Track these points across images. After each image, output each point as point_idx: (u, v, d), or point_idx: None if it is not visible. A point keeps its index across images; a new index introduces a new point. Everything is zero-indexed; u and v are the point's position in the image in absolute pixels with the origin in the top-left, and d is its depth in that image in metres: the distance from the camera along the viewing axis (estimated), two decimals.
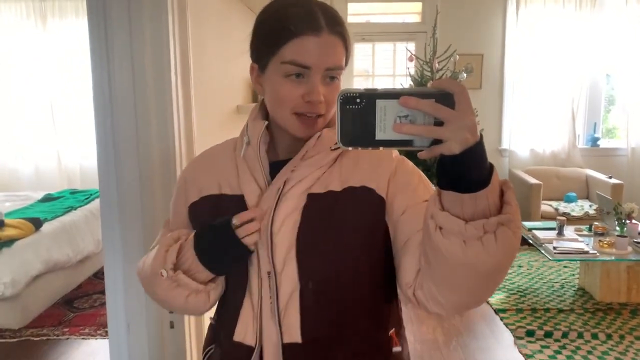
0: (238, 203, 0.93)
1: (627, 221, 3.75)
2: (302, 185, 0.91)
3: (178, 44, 1.55)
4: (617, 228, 3.78)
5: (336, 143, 0.69)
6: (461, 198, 0.67)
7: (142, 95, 1.52)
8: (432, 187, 0.84)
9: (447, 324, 3.37)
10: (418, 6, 5.66)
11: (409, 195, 0.90)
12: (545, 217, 4.78)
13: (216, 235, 0.89)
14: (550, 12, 5.40)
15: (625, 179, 5.16)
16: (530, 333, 3.22)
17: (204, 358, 1.07)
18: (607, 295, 3.67)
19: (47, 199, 4.40)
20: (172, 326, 1.57)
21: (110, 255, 1.61)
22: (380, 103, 0.65)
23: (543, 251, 3.64)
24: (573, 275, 4.16)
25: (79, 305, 3.62)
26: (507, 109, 5.70)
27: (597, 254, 3.49)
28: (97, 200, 4.30)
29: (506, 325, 3.34)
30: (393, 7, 5.94)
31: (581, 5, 5.37)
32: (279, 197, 0.91)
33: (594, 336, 3.17)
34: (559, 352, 3.01)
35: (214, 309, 1.04)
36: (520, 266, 4.41)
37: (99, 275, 4.10)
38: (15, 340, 3.13)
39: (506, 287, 3.95)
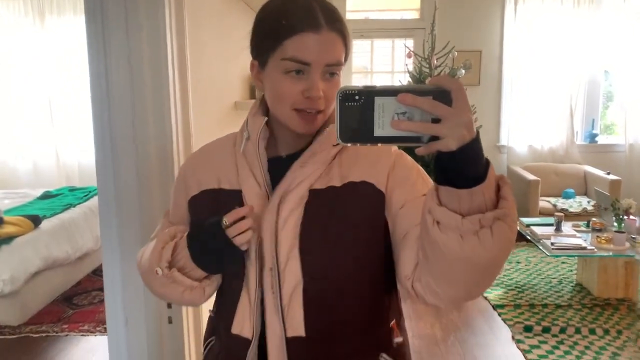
0: (236, 198, 0.94)
1: (625, 217, 3.76)
2: (307, 181, 0.92)
3: (175, 41, 1.55)
4: (615, 224, 3.79)
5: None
6: (458, 193, 0.68)
7: (140, 92, 1.52)
8: (431, 182, 0.85)
9: (445, 319, 3.38)
10: (416, 3, 5.66)
11: (408, 189, 0.91)
12: (544, 213, 4.79)
13: (207, 236, 0.90)
14: (549, 9, 5.40)
15: (623, 175, 5.17)
16: (528, 328, 3.23)
17: (204, 350, 1.08)
18: (605, 290, 3.68)
19: (46, 196, 4.40)
20: (170, 321, 1.58)
21: (108, 253, 1.62)
22: (378, 100, 0.66)
23: (541, 247, 3.65)
24: (571, 271, 4.17)
25: (78, 302, 3.62)
26: (505, 106, 5.70)
27: (595, 250, 3.51)
28: (96, 198, 4.29)
29: (504, 320, 3.35)
30: (391, 3, 5.95)
31: (579, 2, 5.37)
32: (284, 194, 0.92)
33: (592, 331, 3.18)
34: (556, 348, 3.02)
35: (213, 300, 1.05)
36: (518, 262, 4.42)
37: (98, 272, 4.11)
38: (14, 336, 3.13)
39: (504, 282, 3.97)
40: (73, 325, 3.27)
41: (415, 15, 5.73)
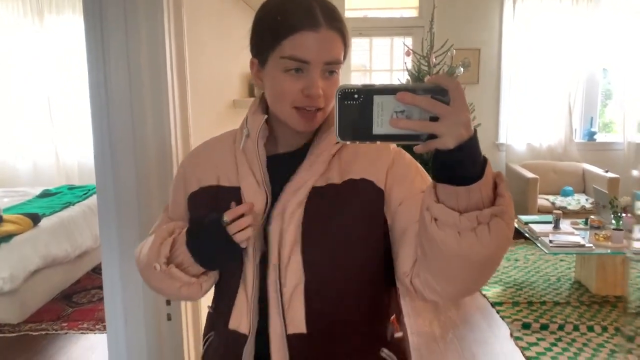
0: (235, 195, 0.94)
1: (623, 214, 3.78)
2: (311, 180, 0.92)
3: (174, 40, 1.56)
4: (613, 221, 3.80)
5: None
6: (456, 191, 0.69)
7: (138, 91, 1.53)
8: (429, 179, 0.86)
9: (444, 316, 3.39)
10: (415, 1, 5.66)
11: (407, 187, 0.92)
12: (542, 211, 4.80)
13: (207, 233, 0.91)
14: (547, 7, 5.41)
15: (622, 173, 5.18)
16: (526, 325, 3.24)
17: (204, 345, 1.09)
18: (603, 288, 3.69)
19: (45, 194, 4.41)
20: (169, 318, 1.58)
21: (107, 251, 1.62)
22: (377, 99, 0.66)
23: (539, 245, 3.66)
24: (569, 268, 4.18)
25: (78, 300, 3.63)
26: (504, 104, 5.71)
27: (593, 247, 3.52)
28: (95, 196, 4.30)
29: (503, 318, 3.36)
30: (390, 1, 5.95)
31: (578, 0, 5.38)
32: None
33: (590, 328, 3.19)
34: (554, 345, 3.03)
35: (212, 295, 1.06)
36: (516, 260, 4.43)
37: (97, 270, 4.11)
38: (14, 335, 3.14)
39: (503, 280, 3.98)
40: (72, 323, 3.27)
41: (414, 13, 5.74)
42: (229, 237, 0.87)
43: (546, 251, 3.56)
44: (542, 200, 4.99)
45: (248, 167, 0.95)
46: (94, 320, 3.31)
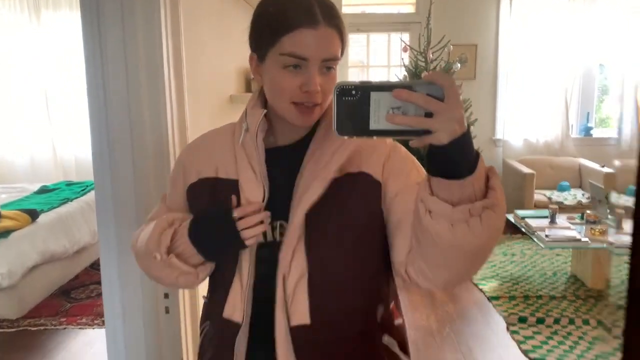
0: (233, 188, 0.96)
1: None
2: (313, 175, 0.95)
3: (170, 36, 1.56)
4: (609, 216, 3.82)
5: None
6: (449, 184, 0.72)
7: (135, 87, 1.53)
8: (424, 172, 0.88)
9: (441, 310, 3.42)
10: None
11: (402, 179, 0.94)
12: (539, 206, 4.82)
13: (213, 227, 0.93)
14: (544, 2, 5.42)
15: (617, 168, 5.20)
16: (522, 319, 3.27)
17: (200, 334, 1.11)
18: (599, 282, 3.72)
19: (43, 190, 4.41)
20: (167, 311, 1.60)
21: (105, 246, 1.63)
22: (374, 95, 0.69)
23: (536, 239, 3.68)
24: (565, 263, 4.21)
25: (76, 295, 3.64)
26: (501, 99, 5.72)
27: (589, 242, 3.54)
28: (93, 192, 4.31)
29: (499, 312, 3.39)
30: None
31: None
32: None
33: (585, 322, 3.22)
34: (550, 338, 3.05)
35: (206, 284, 1.08)
36: (513, 254, 4.46)
37: (95, 266, 4.12)
38: (13, 330, 3.15)
39: (499, 275, 4.00)
40: (71, 318, 3.28)
41: (411, 9, 5.74)
42: (237, 233, 0.90)
43: (542, 246, 3.58)
44: (539, 196, 5.01)
45: (247, 161, 0.97)
46: (93, 315, 3.32)
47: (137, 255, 1.04)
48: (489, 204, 0.73)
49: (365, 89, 0.69)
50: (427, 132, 0.68)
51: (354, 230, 0.94)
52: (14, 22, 5.30)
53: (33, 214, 3.55)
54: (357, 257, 0.95)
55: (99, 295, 3.59)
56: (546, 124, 5.67)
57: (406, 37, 5.59)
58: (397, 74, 5.39)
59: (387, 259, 0.97)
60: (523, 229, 3.98)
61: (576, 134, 5.78)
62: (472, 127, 4.65)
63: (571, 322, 3.22)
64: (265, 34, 0.90)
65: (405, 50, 4.98)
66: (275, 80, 0.90)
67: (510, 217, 4.29)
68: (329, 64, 0.89)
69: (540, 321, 3.24)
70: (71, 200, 4.10)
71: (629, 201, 4.74)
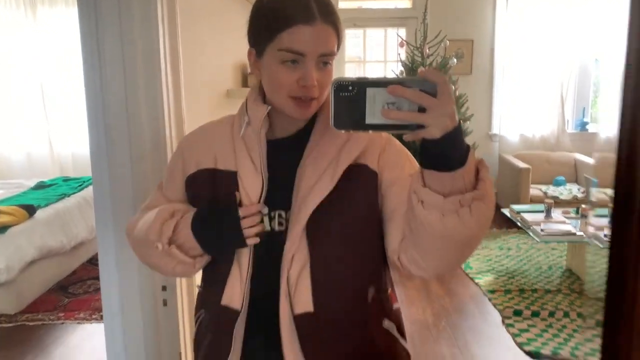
0: (232, 180, 0.99)
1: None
2: (313, 167, 0.98)
3: (167, 30, 1.57)
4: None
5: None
6: (441, 176, 0.76)
7: (133, 82, 1.54)
8: (417, 164, 0.91)
9: (437, 304, 3.44)
10: None
11: (397, 171, 0.98)
12: (535, 200, 4.85)
13: (218, 224, 0.96)
14: None
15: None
16: (517, 313, 3.29)
17: (195, 323, 1.13)
18: None
19: (40, 186, 4.41)
20: (165, 304, 1.61)
21: (103, 240, 1.64)
22: (370, 91, 0.72)
23: (531, 233, 3.71)
24: (561, 257, 4.23)
25: (74, 290, 3.65)
26: (497, 94, 5.75)
27: (584, 236, 3.56)
28: (90, 188, 4.32)
29: (495, 305, 3.41)
30: None
31: None
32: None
33: (580, 315, 3.24)
34: (545, 331, 3.08)
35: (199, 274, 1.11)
36: (509, 249, 4.48)
37: (93, 261, 4.13)
38: (10, 325, 3.16)
39: (495, 269, 4.03)
40: (69, 313, 3.29)
41: (407, 4, 5.75)
42: (240, 232, 0.93)
43: (538, 240, 3.61)
44: (535, 190, 5.04)
45: (247, 153, 0.99)
46: (90, 310, 3.33)
47: (134, 242, 1.07)
48: (478, 195, 0.77)
49: (361, 85, 0.72)
50: (420, 126, 0.71)
51: (354, 220, 0.97)
52: (10, 18, 5.28)
53: (30, 210, 3.55)
54: (357, 246, 0.98)
55: (97, 290, 3.61)
56: (542, 119, 5.70)
57: (403, 32, 5.60)
58: (393, 70, 5.39)
59: (384, 247, 1.00)
60: (519, 223, 4.01)
61: (572, 129, 5.81)
62: (468, 122, 4.67)
63: (566, 315, 3.25)
64: (263, 30, 0.92)
65: (401, 45, 4.99)
66: (274, 75, 0.92)
67: (506, 212, 4.32)
68: (325, 59, 0.92)
69: (535, 314, 3.27)
70: (68, 196, 4.11)
71: (555, 191, 4.87)
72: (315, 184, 0.95)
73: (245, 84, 2.65)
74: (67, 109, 5.43)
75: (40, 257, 3.45)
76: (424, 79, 0.71)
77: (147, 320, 1.63)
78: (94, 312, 3.29)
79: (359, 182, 0.97)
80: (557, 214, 3.96)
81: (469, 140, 4.73)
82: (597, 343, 2.93)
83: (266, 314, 0.98)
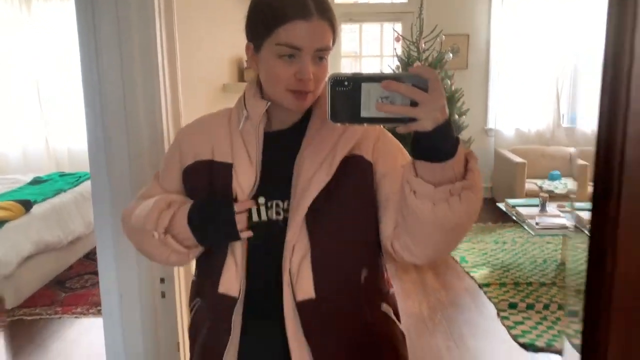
0: (227, 172, 1.01)
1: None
2: (311, 160, 1.01)
3: (164, 25, 1.58)
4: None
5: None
6: (432, 167, 0.80)
7: (130, 77, 1.55)
8: (408, 155, 0.95)
9: (433, 298, 3.46)
10: None
11: (390, 162, 1.02)
12: (530, 195, 4.88)
13: (214, 218, 0.99)
14: None
15: None
16: (512, 305, 3.32)
17: (191, 311, 1.15)
18: None
19: (36, 181, 4.41)
20: (163, 296, 1.63)
21: (101, 233, 1.65)
22: (365, 86, 0.76)
23: (526, 227, 3.74)
24: (556, 250, 4.26)
25: (71, 285, 3.66)
26: (492, 89, 5.76)
27: (570, 229, 3.59)
28: (87, 183, 4.32)
29: (490, 298, 3.44)
30: None
31: None
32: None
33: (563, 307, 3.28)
34: (540, 323, 3.11)
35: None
36: (504, 242, 4.51)
37: (90, 256, 4.14)
38: (8, 319, 3.17)
39: (490, 262, 4.05)
40: (66, 307, 3.31)
41: None
42: (235, 228, 0.97)
43: (532, 233, 3.63)
44: (530, 184, 5.07)
45: (243, 146, 1.02)
46: (88, 304, 3.34)
47: (130, 230, 1.09)
48: (467, 184, 0.81)
49: (356, 80, 0.76)
50: (412, 119, 0.75)
51: (352, 208, 1.00)
52: (4, 13, 5.26)
53: (27, 205, 3.55)
54: (355, 233, 1.01)
55: (94, 285, 3.62)
56: (537, 113, 5.72)
57: (399, 27, 5.61)
58: (389, 64, 5.40)
59: (379, 233, 1.04)
60: (514, 217, 4.03)
61: (567, 124, 5.83)
62: (464, 117, 4.69)
63: (560, 307, 3.28)
64: (261, 25, 0.95)
65: (397, 40, 5.00)
66: (271, 69, 0.95)
67: (502, 206, 4.34)
68: (321, 53, 0.95)
69: (530, 307, 3.30)
70: (65, 191, 4.11)
71: (550, 185, 4.96)
72: (313, 175, 0.97)
73: (241, 78, 2.66)
74: (63, 104, 5.42)
75: (37, 252, 3.46)
76: (417, 74, 0.75)
77: (146, 312, 1.64)
78: (92, 306, 3.31)
79: (356, 173, 1.00)
80: (552, 207, 3.99)
81: (464, 134, 4.75)
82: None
83: (264, 301, 1.01)
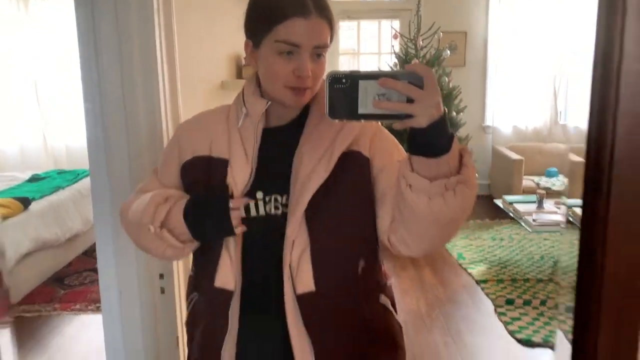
0: (223, 167, 1.03)
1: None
2: (310, 155, 1.03)
3: (163, 23, 1.58)
4: None
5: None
6: (427, 162, 0.82)
7: (129, 74, 1.56)
8: (404, 151, 1.00)
9: (430, 294, 3.48)
10: None
11: (386, 157, 1.04)
12: (527, 191, 4.90)
13: (210, 214, 1.00)
14: None
15: None
16: (510, 302, 3.34)
17: (188, 306, 1.17)
18: None
19: (35, 179, 4.41)
20: (162, 292, 1.64)
21: (101, 230, 1.66)
22: (362, 83, 0.78)
23: (523, 224, 3.75)
24: (552, 247, 4.28)
25: (70, 282, 3.67)
26: (490, 86, 5.77)
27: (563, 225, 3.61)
28: (85, 180, 4.33)
29: (487, 295, 3.46)
30: None
31: None
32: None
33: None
34: (536, 319, 3.13)
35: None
36: (501, 239, 4.53)
37: (88, 253, 4.15)
38: (13, 316, 3.18)
39: (488, 259, 4.07)
40: (65, 304, 3.31)
41: None
42: (230, 224, 0.98)
43: (529, 230, 3.65)
44: (527, 181, 5.09)
45: (240, 142, 1.04)
46: (87, 301, 3.35)
47: (127, 224, 1.11)
48: (462, 179, 0.83)
49: (354, 78, 0.78)
50: (408, 116, 0.77)
51: (350, 203, 1.02)
52: (2, 11, 5.24)
53: (25, 202, 3.55)
54: (354, 227, 1.03)
55: (92, 282, 3.63)
56: (535, 111, 5.74)
57: (397, 24, 5.61)
58: (387, 62, 5.41)
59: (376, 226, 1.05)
60: (511, 214, 4.05)
61: (564, 121, 5.85)
62: (461, 114, 4.70)
63: (557, 305, 3.30)
64: (260, 23, 0.97)
65: (395, 37, 5.00)
66: (270, 66, 0.97)
67: (499, 203, 4.36)
68: (319, 51, 0.97)
69: (527, 303, 3.32)
70: (63, 189, 4.11)
71: (548, 182, 5.00)
72: (312, 171, 0.99)
73: (239, 75, 2.66)
74: (60, 101, 5.41)
75: (35, 249, 3.46)
76: (412, 72, 0.77)
77: (145, 308, 1.65)
78: (90, 303, 3.32)
79: (354, 168, 1.02)
80: (549, 204, 4.00)
81: (462, 132, 4.76)
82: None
83: (263, 295, 1.03)
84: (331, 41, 1.00)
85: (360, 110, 0.79)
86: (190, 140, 1.09)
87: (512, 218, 4.12)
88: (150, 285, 1.64)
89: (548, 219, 3.68)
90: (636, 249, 0.44)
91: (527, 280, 3.67)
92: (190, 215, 1.01)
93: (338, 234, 1.02)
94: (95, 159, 1.62)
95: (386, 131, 1.11)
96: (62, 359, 2.75)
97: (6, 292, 3.11)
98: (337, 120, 0.81)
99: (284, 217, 1.01)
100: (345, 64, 6.02)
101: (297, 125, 1.06)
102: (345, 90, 0.78)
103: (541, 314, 3.19)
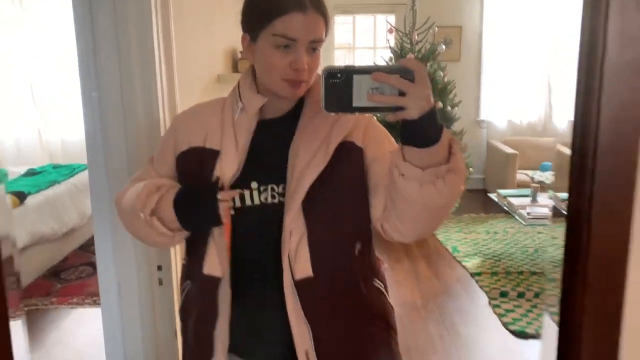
0: (214, 158, 1.06)
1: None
2: (307, 146, 1.06)
3: (160, 17, 1.59)
4: None
5: None
6: (419, 152, 0.86)
7: (128, 68, 1.57)
8: (394, 142, 1.08)
9: (425, 287, 3.51)
10: None
11: (378, 147, 1.08)
12: (522, 185, 4.93)
13: (199, 204, 1.03)
14: None
15: None
16: (504, 294, 3.38)
17: (181, 293, 1.20)
18: None
19: (30, 173, 4.40)
20: (160, 283, 1.66)
21: (99, 223, 1.68)
22: (356, 77, 0.82)
23: (517, 217, 3.79)
24: (546, 240, 4.32)
25: (66, 276, 3.68)
26: (485, 81, 5.80)
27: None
28: (81, 174, 4.33)
29: (481, 287, 3.49)
30: None
31: None
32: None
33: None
34: (530, 311, 3.17)
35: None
36: (496, 232, 4.56)
37: (84, 247, 4.16)
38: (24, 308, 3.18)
39: (482, 252, 4.11)
40: (62, 298, 3.33)
41: None
42: (218, 215, 1.01)
43: (524, 223, 3.68)
44: (522, 175, 5.12)
45: (233, 134, 1.07)
46: (83, 295, 3.36)
47: (121, 211, 1.13)
48: (451, 167, 0.87)
49: (349, 72, 0.82)
50: (400, 108, 0.81)
51: (345, 192, 1.05)
52: None
53: (21, 196, 3.55)
54: (348, 215, 1.07)
55: (89, 275, 3.64)
56: (529, 105, 5.76)
57: (392, 18, 5.62)
58: (382, 56, 5.42)
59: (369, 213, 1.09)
60: (505, 208, 4.08)
61: (558, 115, 5.87)
62: (456, 109, 4.71)
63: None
64: (258, 17, 1.00)
65: (390, 32, 5.01)
66: (267, 59, 1.00)
67: (494, 196, 4.39)
68: (314, 45, 1.00)
69: (520, 295, 3.36)
70: (59, 183, 4.11)
71: (542, 176, 5.03)
72: (310, 161, 1.02)
73: (235, 69, 2.68)
74: (56, 96, 5.39)
75: (31, 243, 3.46)
76: (404, 67, 0.81)
77: (144, 299, 1.67)
78: (87, 297, 3.33)
79: (349, 158, 1.05)
80: (543, 198, 4.04)
81: (457, 126, 4.78)
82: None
83: (258, 281, 1.07)
84: (326, 36, 1.03)
85: (355, 104, 0.82)
86: (187, 131, 1.12)
87: (506, 212, 4.16)
88: (149, 277, 1.66)
89: (542, 213, 3.72)
90: (618, 227, 0.46)
91: (521, 272, 3.71)
92: (180, 204, 1.04)
93: (333, 222, 1.05)
94: (93, 152, 1.63)
95: (378, 123, 1.14)
96: (60, 352, 2.76)
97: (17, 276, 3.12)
98: (332, 113, 0.85)
99: (280, 206, 1.04)
100: (340, 58, 6.03)
101: (292, 117, 1.09)
102: (341, 84, 0.82)
103: (535, 306, 3.23)
